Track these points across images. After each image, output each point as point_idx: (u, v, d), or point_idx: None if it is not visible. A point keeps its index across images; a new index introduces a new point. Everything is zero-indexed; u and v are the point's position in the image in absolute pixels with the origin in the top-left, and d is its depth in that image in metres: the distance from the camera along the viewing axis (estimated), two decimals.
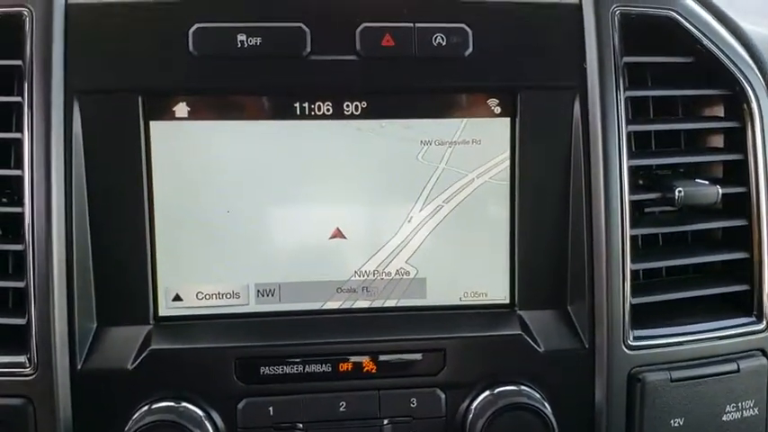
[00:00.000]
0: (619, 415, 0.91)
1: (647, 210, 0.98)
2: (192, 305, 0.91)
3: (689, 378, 0.91)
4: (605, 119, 0.90)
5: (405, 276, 0.94)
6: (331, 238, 0.92)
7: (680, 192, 0.92)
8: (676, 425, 0.91)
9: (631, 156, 0.92)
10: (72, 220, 0.85)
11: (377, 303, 0.94)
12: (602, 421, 0.91)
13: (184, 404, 0.85)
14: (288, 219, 0.91)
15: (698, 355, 0.93)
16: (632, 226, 0.91)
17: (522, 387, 0.89)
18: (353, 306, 0.93)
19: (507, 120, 0.91)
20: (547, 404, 0.88)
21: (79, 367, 0.85)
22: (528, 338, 0.90)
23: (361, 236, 0.92)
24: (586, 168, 0.91)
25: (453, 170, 0.92)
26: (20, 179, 0.84)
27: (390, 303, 0.94)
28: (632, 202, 0.92)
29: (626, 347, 0.91)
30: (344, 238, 0.92)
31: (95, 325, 0.88)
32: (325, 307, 0.93)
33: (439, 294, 0.94)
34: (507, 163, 0.92)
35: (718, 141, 1.01)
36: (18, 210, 0.84)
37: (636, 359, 0.91)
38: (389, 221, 0.92)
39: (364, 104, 0.90)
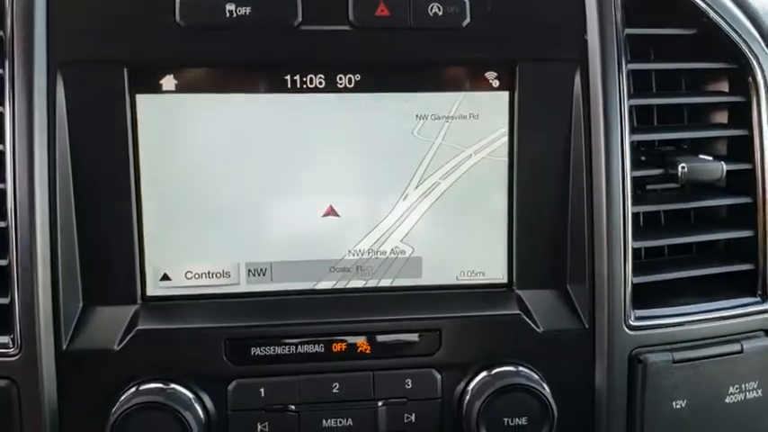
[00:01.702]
0: (619, 397, 0.88)
1: (648, 187, 0.95)
2: (180, 285, 0.89)
3: (691, 359, 0.89)
4: (607, 92, 0.87)
5: (400, 255, 0.91)
6: (324, 216, 0.89)
7: (683, 168, 0.89)
8: (678, 407, 0.89)
9: (633, 131, 0.90)
10: (56, 197, 0.82)
11: (371, 283, 0.91)
12: (602, 403, 0.88)
13: (173, 386, 0.83)
14: (279, 196, 0.88)
15: (700, 336, 0.91)
16: (634, 203, 0.88)
17: (521, 368, 0.87)
18: (347, 286, 0.91)
19: (506, 94, 0.89)
20: (545, 385, 0.86)
21: (64, 347, 0.83)
22: (526, 318, 0.88)
23: (355, 214, 0.89)
24: (587, 144, 0.88)
25: (450, 146, 0.89)
26: (1, 154, 0.82)
27: (385, 283, 0.91)
28: (634, 179, 0.89)
29: (627, 328, 0.88)
30: (338, 216, 0.89)
31: (81, 304, 0.85)
32: (317, 287, 0.90)
33: (435, 274, 0.92)
34: (506, 138, 0.89)
35: (722, 117, 0.98)
36: (0, 185, 0.82)
37: (637, 340, 0.89)
38: (384, 199, 0.90)
39: (358, 77, 0.87)
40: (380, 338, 0.86)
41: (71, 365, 0.83)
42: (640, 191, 0.93)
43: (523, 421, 0.84)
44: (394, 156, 0.89)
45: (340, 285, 0.91)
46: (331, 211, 0.89)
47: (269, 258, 0.89)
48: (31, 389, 0.81)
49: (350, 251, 0.90)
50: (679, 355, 0.89)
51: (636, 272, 0.89)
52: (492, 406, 0.84)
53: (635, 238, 0.89)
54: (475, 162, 0.89)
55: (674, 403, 0.89)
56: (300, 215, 0.89)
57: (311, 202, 0.89)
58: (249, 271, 0.89)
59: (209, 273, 0.89)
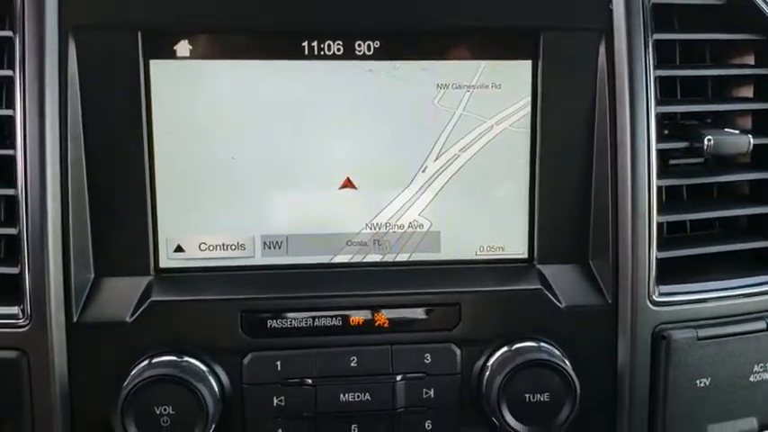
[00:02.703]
0: (643, 374, 0.86)
1: (671, 162, 0.93)
2: (194, 257, 0.86)
3: (716, 336, 0.87)
4: (632, 62, 0.85)
5: (418, 229, 0.89)
6: (341, 188, 0.87)
7: (709, 140, 0.87)
8: (702, 385, 0.87)
9: (658, 103, 0.87)
10: (67, 164, 0.80)
11: (388, 258, 0.89)
12: (625, 381, 0.86)
13: (187, 358, 0.81)
14: (295, 167, 0.86)
15: (725, 313, 0.89)
16: (659, 177, 0.86)
17: (542, 344, 0.85)
18: (364, 260, 0.89)
19: (529, 63, 0.86)
20: (567, 362, 0.84)
21: (75, 319, 0.81)
22: (548, 293, 0.86)
23: (373, 186, 0.87)
24: (612, 115, 0.86)
25: (471, 116, 0.87)
26: (11, 120, 0.79)
27: (402, 258, 0.89)
28: (659, 152, 0.87)
29: (651, 303, 0.86)
30: (355, 188, 0.87)
31: (92, 275, 0.83)
32: (334, 260, 0.88)
33: (453, 249, 0.90)
34: (528, 109, 0.87)
35: (747, 91, 0.96)
36: (10, 152, 0.79)
37: (661, 316, 0.87)
38: (403, 171, 0.87)
39: (377, 44, 0.85)
40: (399, 312, 0.84)
41: (82, 337, 0.81)
42: (663, 165, 0.91)
43: (545, 398, 0.82)
44: (413, 126, 0.86)
45: (357, 259, 0.89)
46: (348, 184, 0.87)
47: (285, 231, 0.87)
48: (40, 361, 0.79)
49: (367, 224, 0.88)
50: (703, 332, 0.87)
51: (660, 247, 0.87)
52: (513, 382, 0.82)
53: (659, 213, 0.87)
54: (497, 133, 0.87)
55: (697, 381, 0.87)
56: (317, 187, 0.87)
57: (328, 173, 0.87)
58: (264, 243, 0.87)
59: (223, 245, 0.87)
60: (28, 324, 0.79)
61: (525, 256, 0.90)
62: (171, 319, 0.81)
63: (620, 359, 0.87)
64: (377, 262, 0.89)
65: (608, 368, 0.87)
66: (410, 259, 0.89)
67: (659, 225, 0.87)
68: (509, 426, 0.82)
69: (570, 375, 0.82)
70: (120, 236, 0.84)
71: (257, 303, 0.83)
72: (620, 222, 0.86)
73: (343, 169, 0.87)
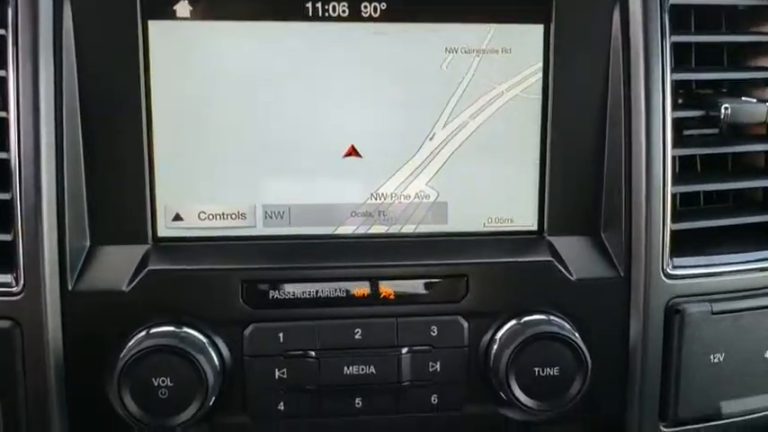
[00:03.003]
0: (655, 349, 0.84)
1: (685, 132, 0.90)
2: (193, 226, 0.84)
3: (731, 311, 0.85)
4: (647, 27, 0.82)
5: (425, 200, 0.86)
6: (345, 156, 0.84)
7: (726, 108, 0.84)
8: (716, 360, 0.85)
9: (674, 70, 0.85)
10: (62, 127, 0.77)
11: (394, 229, 0.86)
12: (636, 356, 0.84)
13: (186, 329, 0.78)
14: (298, 134, 0.83)
15: (740, 287, 0.87)
16: (673, 146, 0.84)
17: (552, 317, 0.83)
18: (368, 232, 0.86)
19: (541, 27, 0.83)
20: (578, 335, 0.81)
21: (70, 287, 0.78)
22: (558, 265, 0.83)
23: (378, 154, 0.84)
24: (626, 82, 0.83)
25: (481, 82, 0.84)
26: (4, 80, 0.76)
27: (408, 229, 0.87)
28: (673, 121, 0.84)
29: (665, 276, 0.84)
30: (360, 156, 0.84)
31: (88, 243, 0.80)
32: (337, 232, 0.86)
33: (461, 220, 0.87)
34: (540, 75, 0.84)
35: (764, 60, 0.93)
36: (2, 114, 0.76)
37: (675, 289, 0.84)
38: (409, 139, 0.85)
39: (384, 6, 0.82)
40: (404, 284, 0.82)
41: (78, 306, 0.78)
42: (678, 135, 0.88)
43: (555, 372, 0.80)
44: (421, 92, 0.83)
45: (361, 231, 0.86)
46: (353, 152, 0.84)
47: (287, 201, 0.84)
48: (34, 330, 0.76)
49: (372, 194, 0.85)
50: (718, 307, 0.84)
51: (674, 219, 0.84)
52: (522, 355, 0.79)
53: (673, 184, 0.84)
54: (507, 100, 0.84)
55: (711, 356, 0.85)
56: (320, 155, 0.84)
57: (332, 141, 0.84)
58: (266, 213, 0.84)
59: (223, 214, 0.84)
60: (21, 292, 0.76)
61: (535, 228, 0.87)
62: (169, 288, 0.79)
63: (632, 333, 0.84)
64: (382, 234, 0.86)
65: (619, 343, 0.85)
66: (416, 231, 0.87)
67: (673, 196, 0.85)
68: (517, 400, 0.80)
69: (581, 349, 0.80)
70: (117, 203, 0.81)
71: (259, 273, 0.80)
72: (634, 192, 0.83)
73: (348, 137, 0.84)
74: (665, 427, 0.87)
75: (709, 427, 0.88)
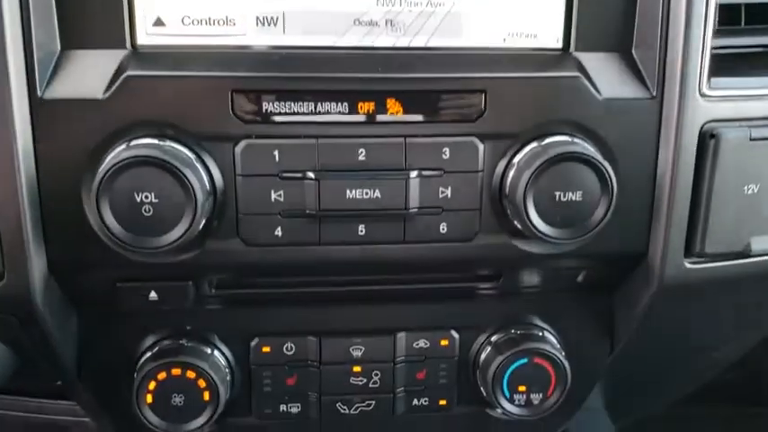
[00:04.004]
0: (685, 177, 0.77)
1: None
2: (176, 32, 0.74)
3: None
4: None
5: (437, 8, 0.76)
6: None
7: None
8: (750, 192, 0.78)
9: None
10: None
11: (402, 42, 0.77)
12: (665, 184, 0.77)
13: (170, 143, 0.70)
14: None
15: None
16: None
17: (576, 139, 0.75)
18: (374, 44, 0.77)
19: None
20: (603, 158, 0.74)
21: (41, 94, 0.69)
22: (586, 82, 0.75)
23: None
24: None
25: None
26: None
27: (419, 42, 0.77)
28: None
29: (701, 97, 0.76)
30: None
31: (59, 47, 0.71)
32: (338, 43, 0.76)
33: (477, 34, 0.77)
34: None
35: None
36: None
37: (711, 112, 0.76)
38: None
39: None
40: (414, 99, 0.73)
41: (50, 116, 0.70)
42: None
43: (578, 197, 0.73)
44: None
45: (366, 42, 0.76)
46: None
47: (281, 6, 0.74)
48: (3, 141, 0.68)
49: (378, 1, 0.75)
50: (758, 133, 0.77)
51: (714, 35, 0.75)
52: (542, 178, 0.72)
53: None
54: None
55: (745, 187, 0.78)
56: None
57: None
58: (258, 19, 0.75)
59: (210, 19, 0.74)
60: None
61: (560, 45, 0.78)
62: (150, 97, 0.70)
63: (660, 160, 0.77)
64: (389, 46, 0.77)
65: (648, 169, 0.77)
66: (428, 44, 0.77)
67: (714, 9, 0.75)
68: (535, 228, 0.73)
69: (607, 171, 0.72)
70: (91, 4, 0.71)
71: (251, 82, 0.71)
72: (673, 3, 0.74)
73: None
74: (689, 263, 0.81)
75: (732, 266, 0.83)
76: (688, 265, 0.81)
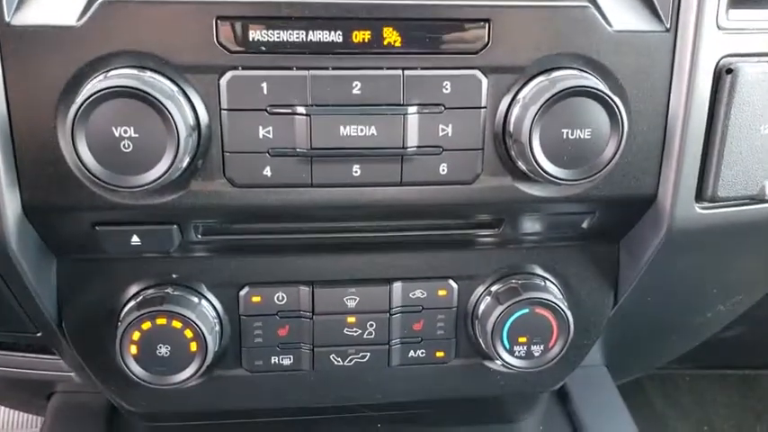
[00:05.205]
0: (699, 115, 0.73)
1: None
2: None
3: None
4: None
5: None
6: None
7: None
8: (767, 132, 0.74)
9: None
10: None
11: None
12: (677, 122, 0.73)
13: (151, 74, 0.65)
14: None
15: None
16: None
17: (585, 73, 0.70)
18: None
19: None
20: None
21: (8, 19, 0.64)
22: (596, 12, 0.70)
23: None
24: None
25: None
26: None
27: None
28: None
29: (718, 29, 0.71)
30: None
31: None
32: None
33: None
34: None
35: None
36: None
37: (729, 45, 0.72)
38: None
39: None
40: (413, 27, 0.68)
41: (19, 45, 0.64)
42: None
43: (586, 134, 0.69)
44: None
45: None
46: None
47: None
48: None
49: None
50: None
51: None
52: (549, 114, 0.68)
53: None
54: None
55: (762, 127, 0.74)
56: None
57: None
58: None
59: None
60: None
61: None
62: (129, 24, 0.65)
63: (673, 97, 0.73)
64: None
65: (659, 107, 0.73)
66: None
67: None
68: (541, 168, 0.69)
69: (618, 107, 0.68)
70: None
71: (237, 8, 0.66)
72: None
73: None
74: (700, 208, 0.77)
75: (745, 211, 0.79)
76: (699, 210, 0.77)
